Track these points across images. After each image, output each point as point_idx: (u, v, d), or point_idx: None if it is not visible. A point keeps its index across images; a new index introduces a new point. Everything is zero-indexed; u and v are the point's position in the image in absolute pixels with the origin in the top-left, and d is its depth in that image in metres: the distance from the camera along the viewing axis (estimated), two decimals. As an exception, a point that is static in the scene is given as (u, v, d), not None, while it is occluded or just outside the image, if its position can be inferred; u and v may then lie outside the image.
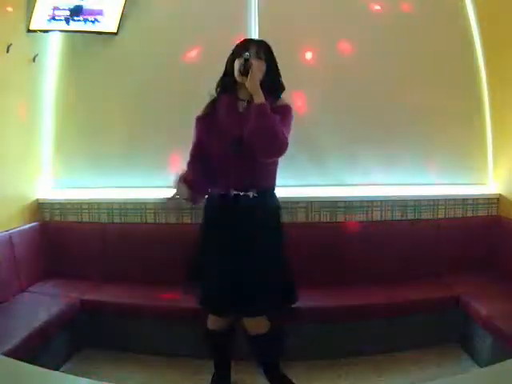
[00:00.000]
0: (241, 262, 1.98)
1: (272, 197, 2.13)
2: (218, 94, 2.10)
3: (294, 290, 2.13)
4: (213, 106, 2.10)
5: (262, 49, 2.02)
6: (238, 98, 2.04)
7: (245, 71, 1.92)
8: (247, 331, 2.10)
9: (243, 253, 1.99)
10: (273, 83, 2.04)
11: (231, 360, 2.28)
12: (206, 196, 2.15)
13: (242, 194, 2.01)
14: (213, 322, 2.17)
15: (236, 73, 1.98)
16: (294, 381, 2.19)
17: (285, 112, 2.02)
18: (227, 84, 2.06)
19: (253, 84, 1.92)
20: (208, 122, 2.08)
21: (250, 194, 2.01)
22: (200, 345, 2.38)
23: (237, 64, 1.98)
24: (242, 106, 2.03)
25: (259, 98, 1.92)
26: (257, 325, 2.08)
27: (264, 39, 2.11)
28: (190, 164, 2.11)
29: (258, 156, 1.96)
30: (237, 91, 2.04)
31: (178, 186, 1.97)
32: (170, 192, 1.99)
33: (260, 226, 2.03)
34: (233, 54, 2.05)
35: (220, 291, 2.01)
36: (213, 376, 2.27)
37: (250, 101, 1.98)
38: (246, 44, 2.04)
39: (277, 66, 2.07)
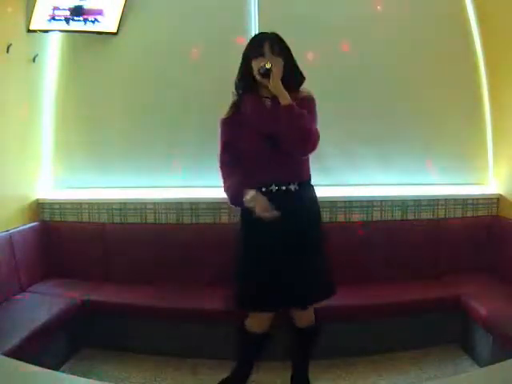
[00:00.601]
0: (291, 254, 1.97)
1: (311, 188, 2.13)
2: (240, 93, 2.08)
3: (333, 280, 2.13)
4: (236, 106, 2.08)
5: (277, 44, 2.00)
6: (261, 95, 2.03)
7: (265, 75, 1.92)
8: (296, 323, 2.11)
9: (292, 245, 1.98)
10: (292, 75, 2.03)
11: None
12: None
13: (284, 188, 2.00)
14: (255, 324, 2.10)
15: (256, 73, 1.97)
16: None
17: (309, 103, 2.03)
18: (247, 83, 2.04)
19: (276, 86, 1.92)
20: (234, 122, 2.06)
21: (292, 187, 2.01)
22: (199, 344, 2.38)
23: (255, 65, 1.97)
24: (267, 103, 2.02)
25: (285, 99, 1.92)
26: (307, 316, 2.11)
27: (274, 31, 2.07)
28: (229, 169, 2.06)
29: (295, 154, 1.99)
30: (258, 89, 2.03)
31: (256, 200, 1.91)
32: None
33: (305, 217, 2.03)
34: (247, 52, 2.03)
35: (269, 287, 1.96)
36: (235, 369, 2.19)
37: (273, 97, 1.98)
38: (260, 41, 2.01)
39: (293, 58, 2.05)
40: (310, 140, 1.95)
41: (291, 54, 2.05)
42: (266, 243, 1.99)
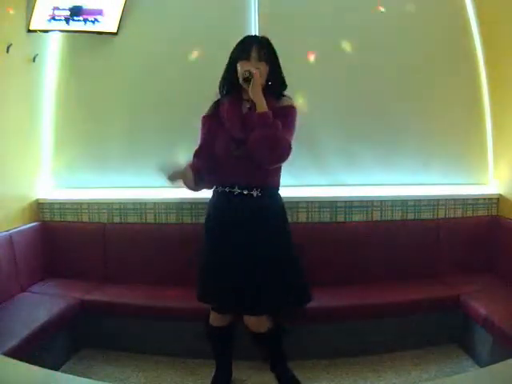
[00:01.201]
0: (244, 260, 1.99)
1: (276, 196, 2.13)
2: (222, 94, 2.11)
3: (307, 289, 2.12)
4: (217, 106, 2.11)
5: (264, 48, 2.01)
6: (243, 98, 2.05)
7: (247, 79, 1.93)
8: (248, 328, 2.10)
9: (246, 251, 1.99)
10: (276, 82, 2.04)
11: (232, 357, 2.27)
12: (211, 193, 2.16)
13: (245, 192, 2.02)
14: (215, 319, 2.17)
15: (239, 77, 1.99)
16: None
17: (288, 114, 2.02)
18: (231, 84, 2.06)
19: (255, 93, 1.93)
20: (212, 121, 2.09)
21: (254, 193, 2.02)
22: (199, 344, 2.38)
23: (239, 68, 1.98)
24: (245, 106, 2.04)
25: (262, 106, 1.92)
26: (258, 323, 2.08)
27: (265, 36, 2.10)
28: (195, 158, 2.12)
29: (261, 164, 1.98)
30: (241, 91, 2.05)
31: (185, 169, 1.99)
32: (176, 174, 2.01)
33: (263, 225, 2.03)
34: (234, 54, 2.05)
35: (222, 289, 2.01)
36: (214, 374, 2.26)
37: (252, 103, 1.98)
38: (247, 45, 2.02)
39: (279, 64, 2.06)
40: (278, 151, 1.94)
41: (277, 60, 2.06)
42: (219, 246, 2.05)
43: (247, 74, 1.93)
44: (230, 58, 2.07)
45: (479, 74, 2.95)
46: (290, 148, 1.96)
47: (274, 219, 2.09)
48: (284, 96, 2.08)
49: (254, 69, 1.94)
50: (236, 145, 1.98)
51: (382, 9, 2.92)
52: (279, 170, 2.12)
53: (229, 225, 2.03)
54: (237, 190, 2.02)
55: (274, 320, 2.13)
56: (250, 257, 1.99)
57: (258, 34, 2.87)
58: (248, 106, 2.02)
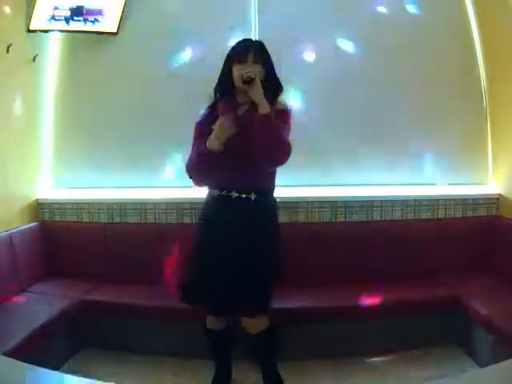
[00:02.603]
0: (238, 262, 1.98)
1: (271, 197, 2.13)
2: (217, 97, 2.09)
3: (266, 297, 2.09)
4: (211, 109, 2.08)
5: (259, 52, 2.01)
6: (238, 101, 2.03)
7: (247, 82, 1.92)
8: (247, 330, 2.09)
9: (241, 253, 1.98)
10: (271, 86, 2.03)
11: (231, 358, 2.26)
12: (206, 198, 2.14)
13: (243, 196, 2.01)
14: (211, 322, 2.17)
15: (237, 80, 1.96)
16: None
17: (284, 117, 2.02)
18: (226, 87, 2.04)
19: (257, 95, 1.91)
20: (207, 125, 2.04)
21: (252, 196, 2.01)
22: (199, 344, 2.38)
23: (237, 71, 1.96)
24: (241, 110, 2.02)
25: (264, 108, 1.91)
26: (256, 323, 2.07)
27: (260, 40, 2.10)
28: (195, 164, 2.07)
29: (263, 166, 1.97)
30: (236, 95, 2.03)
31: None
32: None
33: (259, 226, 2.03)
34: (231, 57, 2.03)
35: (217, 292, 1.99)
36: (214, 375, 2.26)
37: (250, 105, 1.97)
38: (244, 47, 2.02)
39: (273, 68, 2.06)
40: (283, 152, 1.93)
41: (272, 65, 2.05)
42: (215, 246, 2.01)
43: (251, 76, 1.90)
44: (226, 60, 2.05)
45: (479, 74, 2.96)
46: (290, 149, 1.96)
47: (268, 219, 2.08)
48: (278, 99, 2.07)
49: (256, 71, 1.93)
50: (232, 144, 1.95)
51: (383, 10, 2.92)
52: (275, 173, 2.11)
53: (225, 228, 2.01)
54: (234, 194, 2.01)
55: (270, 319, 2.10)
56: (243, 259, 1.98)
57: (257, 35, 2.89)
58: (246, 107, 2.00)
